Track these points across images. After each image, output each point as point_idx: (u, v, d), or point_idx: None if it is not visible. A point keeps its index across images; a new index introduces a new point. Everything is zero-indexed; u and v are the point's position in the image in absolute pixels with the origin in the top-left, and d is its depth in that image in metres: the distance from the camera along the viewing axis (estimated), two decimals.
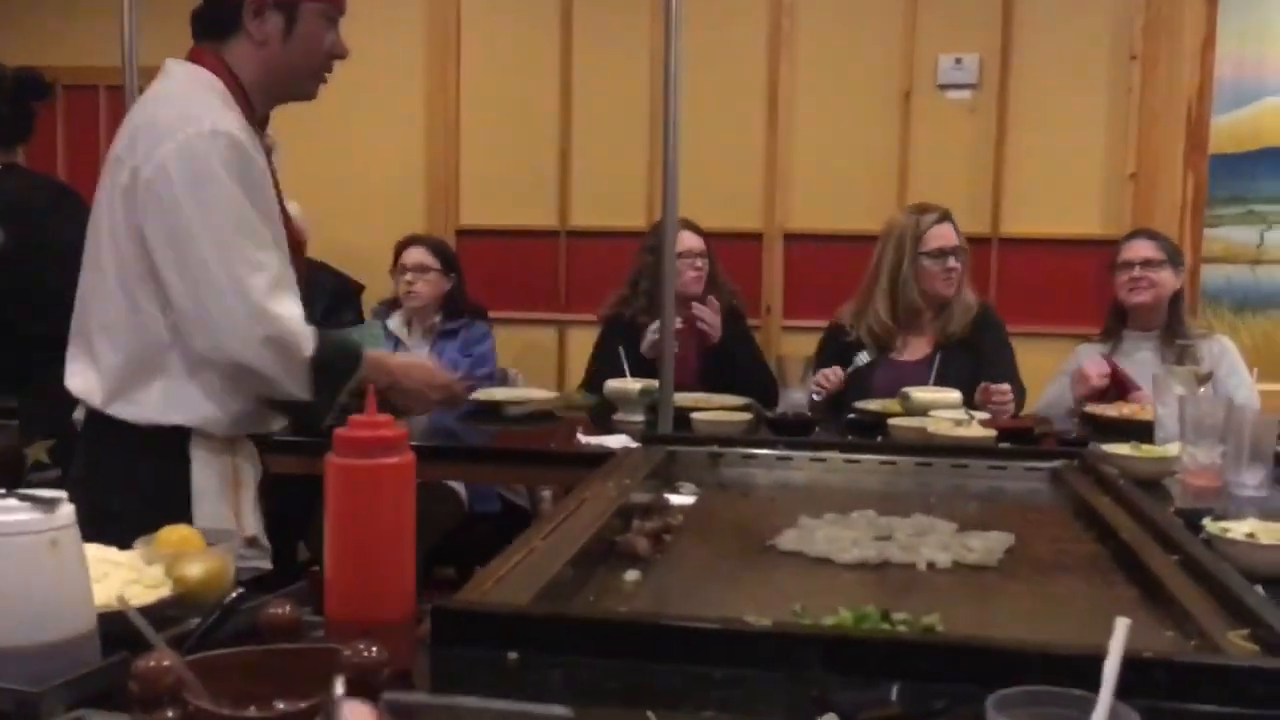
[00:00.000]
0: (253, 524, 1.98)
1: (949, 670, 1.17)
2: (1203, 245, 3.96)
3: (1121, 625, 0.74)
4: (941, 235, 3.32)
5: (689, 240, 3.53)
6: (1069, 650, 1.15)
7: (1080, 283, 3.61)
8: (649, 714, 1.09)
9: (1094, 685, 1.16)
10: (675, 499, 2.15)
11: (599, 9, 4.32)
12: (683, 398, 2.96)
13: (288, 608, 0.98)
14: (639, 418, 2.92)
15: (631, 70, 4.16)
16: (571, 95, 4.35)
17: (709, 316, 3.45)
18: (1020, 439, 2.64)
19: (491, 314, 3.92)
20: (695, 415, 2.73)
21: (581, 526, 1.77)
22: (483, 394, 3.23)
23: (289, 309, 1.90)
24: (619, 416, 2.98)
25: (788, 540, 1.80)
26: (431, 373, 2.17)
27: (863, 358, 3.34)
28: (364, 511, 1.13)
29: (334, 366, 1.93)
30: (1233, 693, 1.14)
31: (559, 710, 1.06)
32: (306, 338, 1.90)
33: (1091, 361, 3.27)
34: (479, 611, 1.28)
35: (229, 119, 1.90)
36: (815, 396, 3.17)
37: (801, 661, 1.20)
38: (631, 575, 1.63)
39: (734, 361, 3.50)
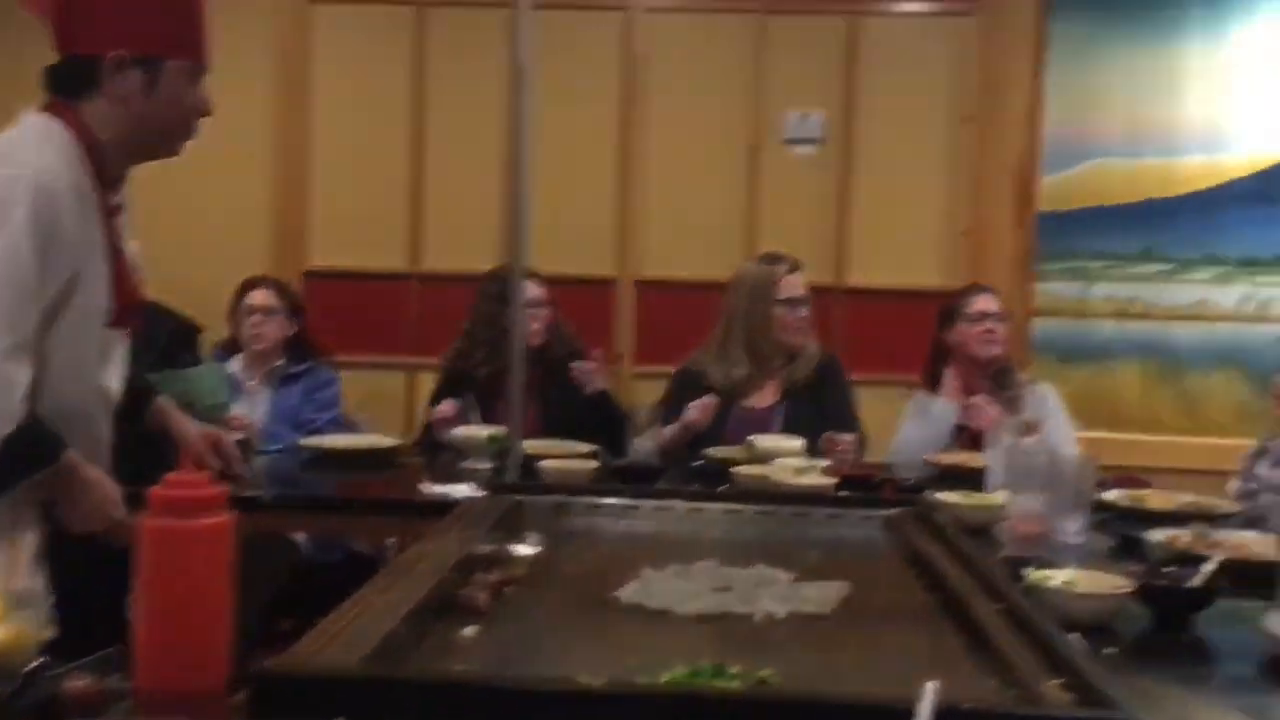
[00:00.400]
0: (25, 584, 1.88)
1: None
2: (1033, 299, 4.15)
3: (929, 689, 0.75)
4: (793, 285, 3.41)
5: (530, 289, 3.53)
6: (887, 701, 1.17)
7: (919, 332, 3.73)
8: None
9: None
10: (519, 550, 2.13)
11: (453, 53, 4.31)
12: (530, 445, 2.94)
13: (88, 679, 0.93)
14: (487, 465, 2.89)
15: (484, 115, 4.15)
16: (425, 138, 4.33)
17: (587, 373, 3.45)
18: (860, 487, 2.70)
19: (338, 358, 3.84)
20: (543, 464, 2.72)
21: (420, 580, 1.73)
22: (327, 441, 3.15)
23: (14, 378, 1.79)
24: (466, 464, 2.94)
25: (629, 593, 1.80)
26: (112, 501, 1.95)
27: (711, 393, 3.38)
28: (176, 575, 1.08)
29: (23, 455, 1.83)
30: None
31: None
32: (9, 416, 1.79)
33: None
34: (300, 675, 1.23)
35: (55, 171, 1.83)
36: (692, 416, 3.19)
37: None
38: (469, 631, 1.60)
39: (580, 408, 3.48)
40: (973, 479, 2.73)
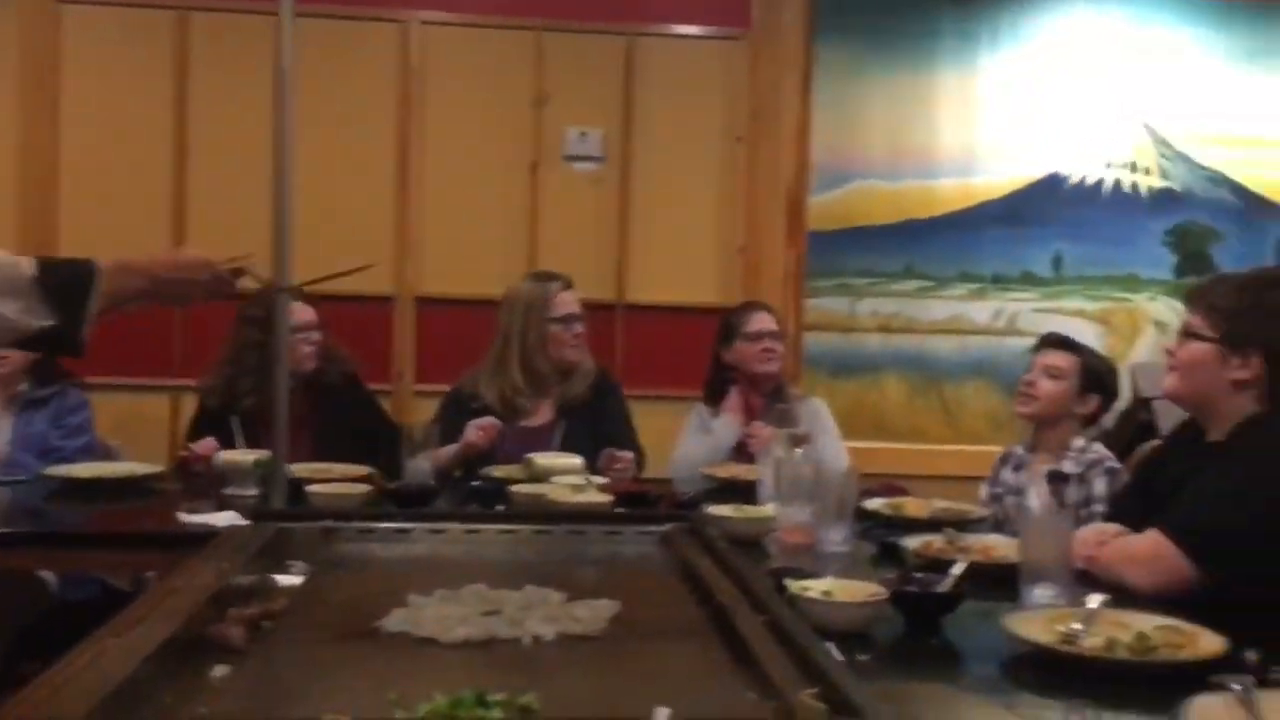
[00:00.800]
0: None
1: None
2: (804, 314, 4.30)
3: (661, 715, 0.75)
4: (567, 302, 3.41)
5: (299, 312, 3.40)
6: None
7: (697, 348, 3.80)
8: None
9: None
10: (282, 580, 2.04)
11: (218, 61, 4.13)
12: (300, 468, 2.84)
13: None
14: (252, 491, 2.76)
15: (251, 127, 3.99)
16: (187, 149, 4.13)
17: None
18: (637, 503, 2.72)
19: (93, 380, 3.60)
20: (311, 489, 2.62)
21: (168, 616, 1.63)
22: (76, 469, 2.95)
23: None
24: (230, 491, 2.80)
25: (394, 621, 1.74)
26: (184, 259, 2.08)
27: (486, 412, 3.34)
28: None
29: (66, 283, 1.87)
30: None
31: None
32: (24, 261, 1.83)
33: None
34: None
35: None
36: (475, 440, 3.14)
37: None
38: (220, 671, 1.51)
39: (354, 433, 3.38)
40: (749, 491, 2.79)
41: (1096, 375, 3.10)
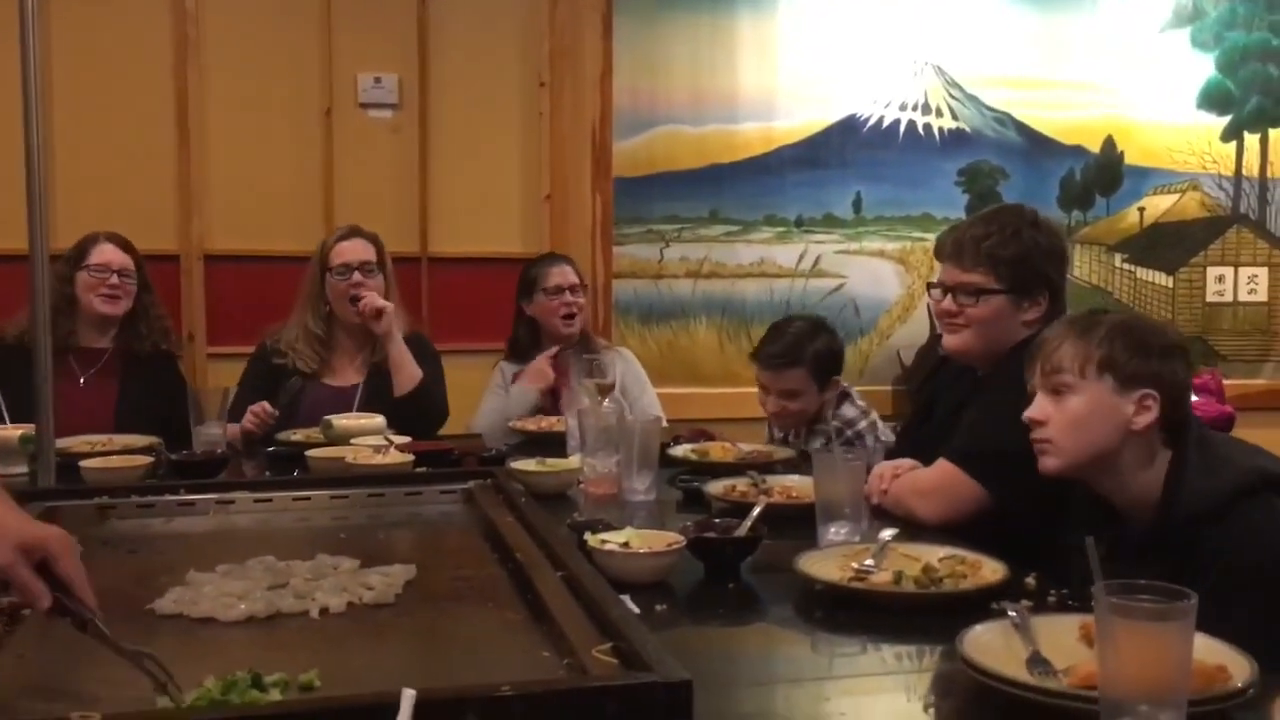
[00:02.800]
0: None
1: None
2: (613, 262, 4.27)
3: (407, 697, 0.70)
4: (347, 250, 3.27)
5: (108, 254, 3.21)
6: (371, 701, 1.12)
7: (504, 300, 3.73)
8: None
9: None
10: None
11: None
12: (72, 442, 2.65)
13: None
14: (21, 469, 2.57)
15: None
16: None
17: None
18: (442, 462, 2.65)
19: None
20: (84, 464, 2.45)
21: None
22: None
23: None
24: None
25: (168, 602, 1.64)
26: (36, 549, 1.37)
27: (295, 382, 3.21)
28: None
29: None
30: (581, 715, 1.17)
31: None
32: None
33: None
34: None
35: None
36: (253, 428, 3.00)
37: None
38: None
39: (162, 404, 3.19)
40: (560, 444, 2.76)
41: (824, 362, 3.07)
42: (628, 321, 4.32)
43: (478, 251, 4.13)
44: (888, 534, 1.83)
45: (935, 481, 2.15)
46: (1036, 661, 1.29)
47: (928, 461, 2.23)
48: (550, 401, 3.44)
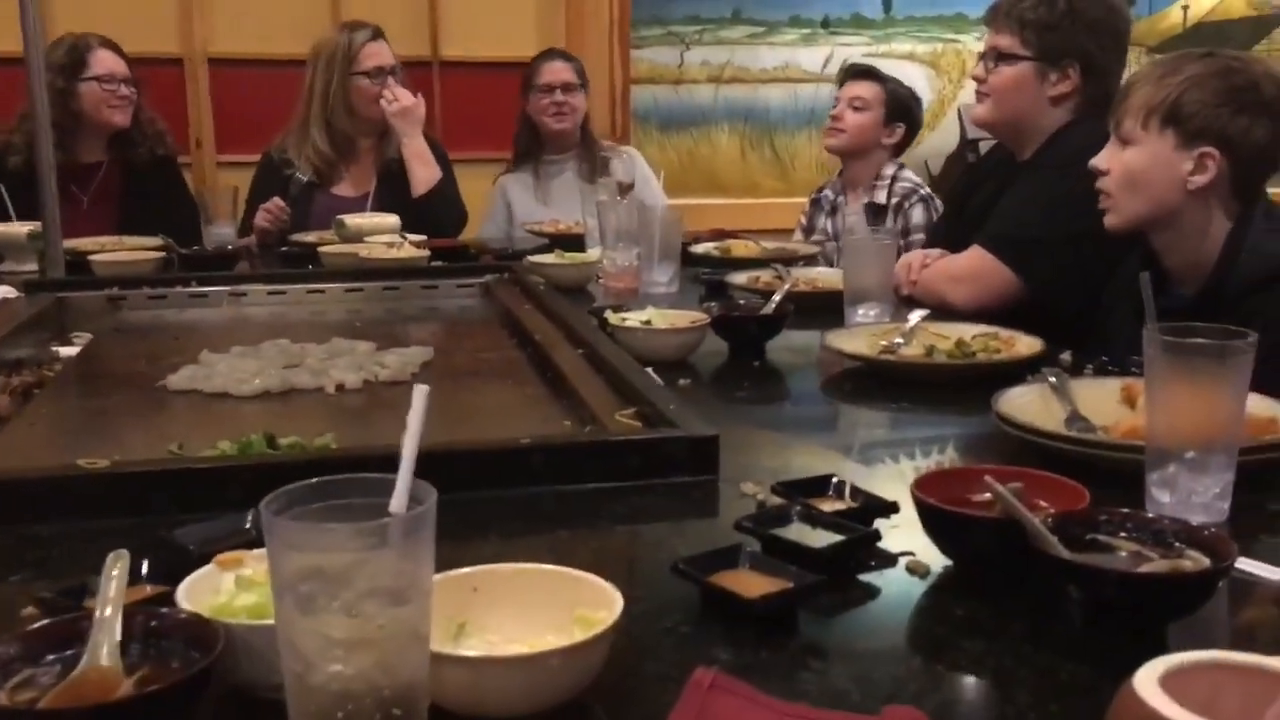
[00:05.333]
0: None
1: None
2: (631, 66, 4.10)
3: (419, 394, 0.65)
4: (376, 53, 3.14)
5: (106, 61, 3.06)
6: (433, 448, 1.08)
7: (514, 106, 3.60)
8: None
9: (469, 479, 1.12)
10: (64, 350, 1.87)
11: None
12: (82, 243, 2.60)
13: None
14: (32, 267, 2.52)
15: None
16: None
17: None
18: (455, 258, 2.59)
19: None
20: (95, 258, 2.40)
21: None
22: None
23: None
24: (6, 267, 2.55)
25: (180, 379, 1.61)
26: None
27: (299, 179, 3.12)
28: None
29: None
30: (606, 468, 1.13)
31: None
32: None
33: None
34: None
35: None
36: (267, 225, 2.94)
37: (146, 503, 1.04)
38: None
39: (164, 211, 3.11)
40: (578, 243, 2.69)
41: (901, 103, 3.09)
42: (646, 129, 4.19)
43: (490, 55, 3.97)
44: (918, 314, 1.77)
45: (968, 267, 2.07)
46: (1075, 419, 1.25)
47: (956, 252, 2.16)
48: None
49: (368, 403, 1.56)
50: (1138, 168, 1.66)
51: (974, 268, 2.06)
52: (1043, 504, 0.93)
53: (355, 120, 3.14)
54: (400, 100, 3.09)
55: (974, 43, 4.25)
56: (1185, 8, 4.40)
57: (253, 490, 1.06)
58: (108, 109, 3.04)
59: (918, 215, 2.94)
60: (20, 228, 2.56)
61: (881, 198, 2.98)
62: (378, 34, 3.17)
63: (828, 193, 3.18)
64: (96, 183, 3.10)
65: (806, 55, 4.23)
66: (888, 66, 4.12)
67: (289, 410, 1.52)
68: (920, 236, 2.84)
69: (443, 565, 0.94)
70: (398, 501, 0.63)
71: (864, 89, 3.07)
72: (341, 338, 1.84)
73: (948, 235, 2.36)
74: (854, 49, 4.24)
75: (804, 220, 3.23)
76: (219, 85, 3.84)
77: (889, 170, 3.02)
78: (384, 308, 2.25)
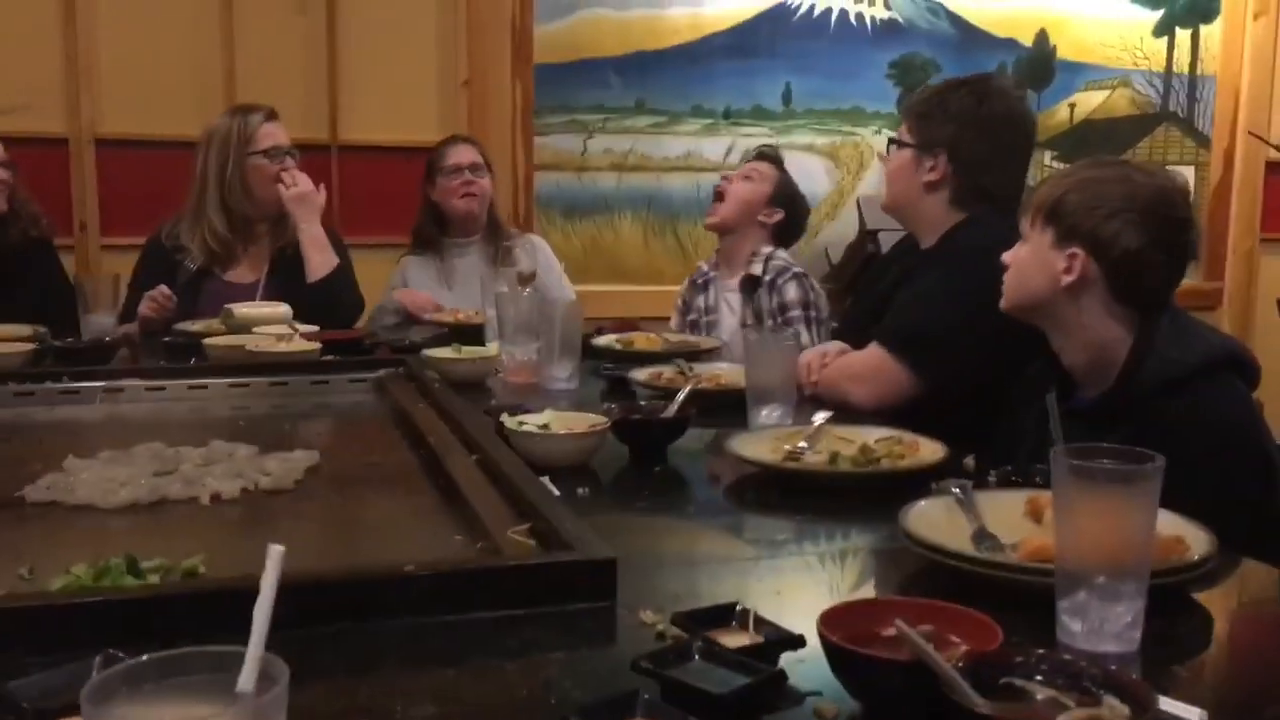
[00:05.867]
0: None
1: (180, 625, 0.98)
2: (534, 153, 4.09)
3: (273, 555, 0.58)
4: (273, 133, 3.07)
5: None
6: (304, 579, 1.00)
7: (418, 191, 3.54)
8: None
9: (350, 609, 1.04)
10: None
11: None
12: None
13: None
14: None
15: None
16: None
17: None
18: (348, 350, 2.50)
19: None
20: None
21: None
22: None
23: None
24: None
25: (40, 489, 1.49)
26: None
27: (188, 268, 3.00)
28: None
29: None
30: (497, 596, 1.06)
31: None
32: None
33: None
34: None
35: None
36: (151, 314, 2.81)
37: None
38: None
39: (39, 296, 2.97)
40: (478, 333, 2.63)
41: (789, 192, 3.14)
42: (549, 215, 4.16)
43: (391, 140, 3.92)
44: (821, 416, 1.74)
45: (866, 365, 2.07)
46: (982, 537, 1.21)
47: (858, 346, 2.15)
48: None
49: (245, 515, 1.47)
50: (1022, 260, 1.74)
51: (872, 365, 2.05)
52: (954, 639, 0.89)
53: (253, 202, 3.05)
54: (299, 184, 3.02)
55: (872, 136, 4.33)
56: (1072, 106, 4.55)
57: (107, 628, 0.98)
58: None
59: (792, 292, 2.96)
60: None
61: (757, 270, 2.99)
62: (272, 115, 3.11)
63: (703, 267, 3.20)
64: None
65: (709, 145, 4.26)
66: (787, 158, 4.19)
67: (158, 524, 1.42)
68: (797, 313, 2.88)
69: (319, 711, 0.87)
70: (246, 679, 0.56)
71: (763, 166, 3.14)
72: (221, 440, 1.74)
73: (853, 325, 2.36)
74: (755, 139, 4.28)
75: (680, 302, 3.24)
76: (105, 166, 3.72)
77: (765, 249, 3.04)
78: (271, 404, 2.16)
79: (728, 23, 4.21)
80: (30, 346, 2.34)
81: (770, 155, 3.23)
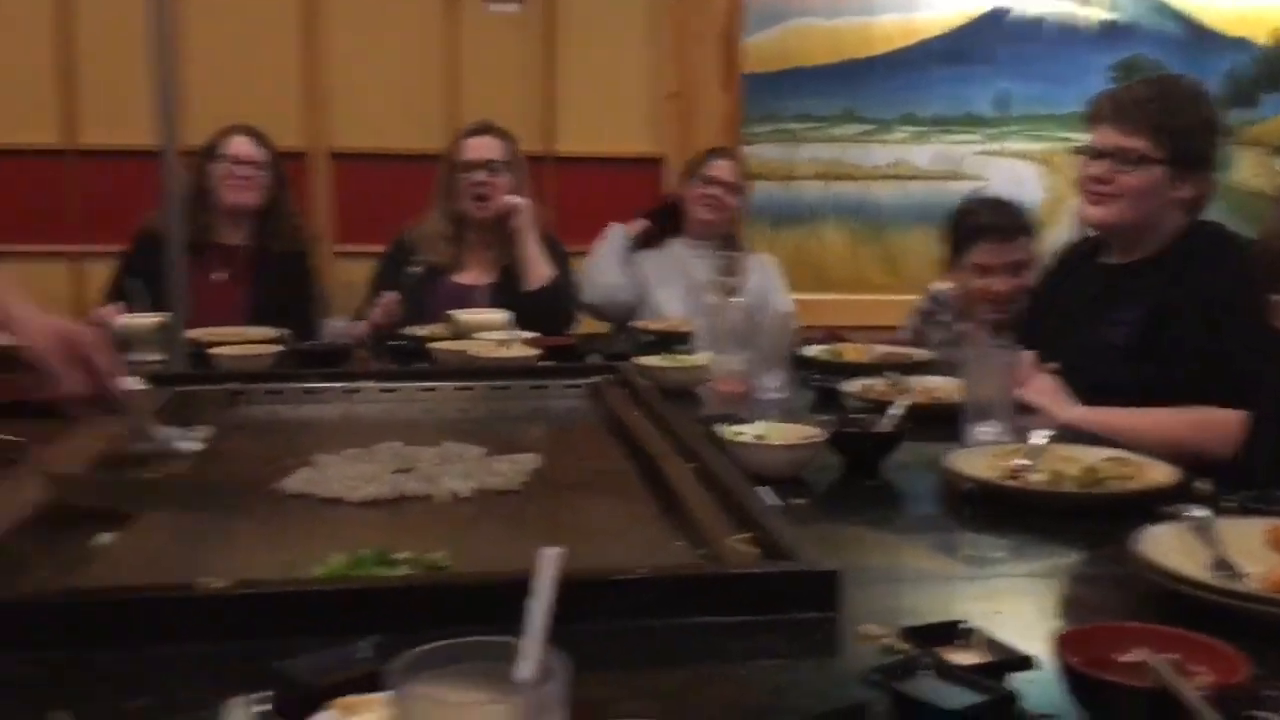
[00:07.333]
0: None
1: (436, 613, 1.05)
2: (741, 163, 4.12)
3: (547, 559, 0.63)
4: (475, 147, 3.21)
5: (240, 146, 3.22)
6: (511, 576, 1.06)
7: (629, 201, 3.64)
8: (58, 714, 0.89)
9: (580, 609, 1.09)
10: (182, 445, 1.90)
11: None
12: (207, 332, 2.67)
13: None
14: (156, 357, 2.59)
15: None
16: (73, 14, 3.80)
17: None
18: (564, 356, 2.60)
19: None
20: (215, 351, 2.46)
21: (45, 485, 1.50)
22: None
23: None
24: (134, 357, 2.63)
25: (296, 482, 1.62)
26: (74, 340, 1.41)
27: (414, 273, 3.18)
28: None
29: None
30: (721, 602, 1.10)
31: None
32: None
33: None
34: None
35: None
36: (375, 319, 3.00)
37: (265, 628, 1.04)
38: (104, 538, 1.39)
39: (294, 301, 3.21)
40: (683, 342, 2.68)
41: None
42: (758, 224, 4.18)
43: (604, 151, 4.03)
44: (1042, 435, 1.70)
45: (1219, 420, 1.87)
46: (1221, 565, 1.17)
47: (1049, 357, 2.08)
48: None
49: (479, 512, 1.55)
50: None
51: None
52: (1197, 670, 0.87)
53: (464, 212, 3.21)
54: (498, 201, 3.15)
55: None
56: None
57: (367, 614, 1.06)
58: (226, 188, 3.18)
59: None
60: (147, 320, 2.64)
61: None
62: (480, 129, 3.25)
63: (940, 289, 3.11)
64: (235, 263, 3.24)
65: (918, 152, 4.21)
66: (1000, 165, 4.10)
67: (400, 519, 1.52)
68: None
69: None
70: (526, 669, 0.61)
71: (1021, 249, 2.86)
72: (452, 441, 1.84)
73: (1034, 332, 2.30)
74: (965, 146, 4.21)
75: (911, 328, 3.16)
76: (339, 178, 3.96)
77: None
78: (492, 407, 2.26)
79: (941, 28, 4.14)
80: (277, 348, 2.52)
81: (1020, 223, 2.96)
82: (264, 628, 1.03)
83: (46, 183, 3.77)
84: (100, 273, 3.41)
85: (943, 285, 3.11)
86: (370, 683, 0.84)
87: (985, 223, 2.91)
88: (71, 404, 1.55)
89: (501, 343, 2.57)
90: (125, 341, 2.68)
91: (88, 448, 1.71)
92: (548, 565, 0.64)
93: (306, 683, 0.90)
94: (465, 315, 2.82)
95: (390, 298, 3.03)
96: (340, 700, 0.80)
